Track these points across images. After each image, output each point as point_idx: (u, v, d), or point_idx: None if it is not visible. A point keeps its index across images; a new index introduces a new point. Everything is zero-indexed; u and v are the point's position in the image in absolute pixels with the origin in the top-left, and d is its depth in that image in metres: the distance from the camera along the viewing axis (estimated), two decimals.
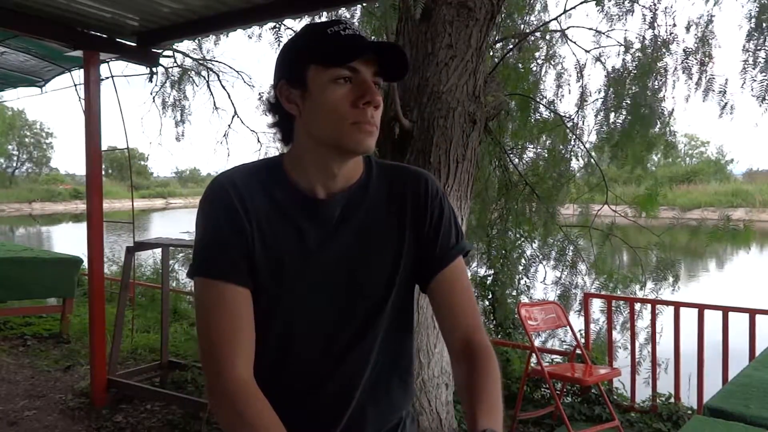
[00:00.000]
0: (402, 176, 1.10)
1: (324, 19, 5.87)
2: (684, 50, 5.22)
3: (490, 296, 5.70)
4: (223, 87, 7.15)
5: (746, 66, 4.49)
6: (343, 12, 5.76)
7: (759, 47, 4.41)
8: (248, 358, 0.96)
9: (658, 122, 5.50)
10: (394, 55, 0.98)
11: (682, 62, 5.21)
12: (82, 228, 4.32)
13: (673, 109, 5.57)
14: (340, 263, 1.02)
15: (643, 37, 5.40)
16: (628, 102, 5.37)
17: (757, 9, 4.36)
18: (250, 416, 0.90)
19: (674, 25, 5.30)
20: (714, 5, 4.90)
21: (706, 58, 5.04)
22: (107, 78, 4.38)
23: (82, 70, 4.07)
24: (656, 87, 5.38)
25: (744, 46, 4.51)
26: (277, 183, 1.03)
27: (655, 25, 5.31)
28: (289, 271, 1.01)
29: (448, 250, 1.07)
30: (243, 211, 0.99)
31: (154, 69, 4.55)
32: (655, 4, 5.27)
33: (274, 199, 1.02)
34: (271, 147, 6.83)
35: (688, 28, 5.25)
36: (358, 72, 0.95)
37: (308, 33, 1.02)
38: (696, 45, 5.16)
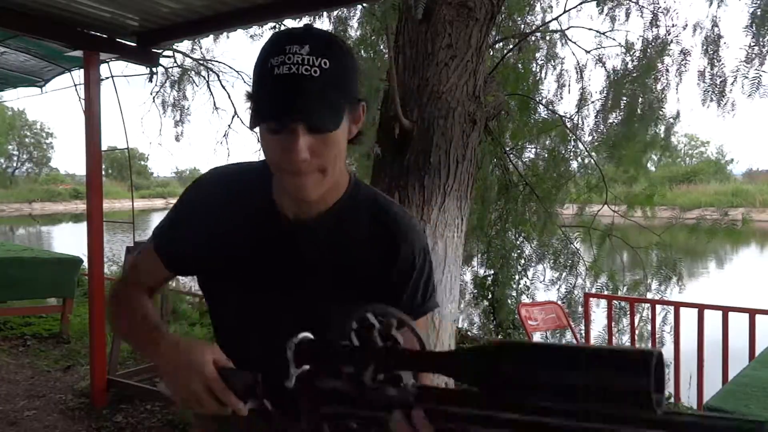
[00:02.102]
0: (391, 222, 1.05)
1: (324, 19, 5.88)
2: (683, 51, 5.22)
3: (489, 296, 5.70)
4: (223, 87, 7.16)
5: (746, 65, 4.49)
6: (344, 12, 5.76)
7: (757, 44, 4.40)
8: (143, 291, 1.13)
9: (657, 122, 5.51)
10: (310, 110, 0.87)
11: (681, 62, 5.22)
12: (82, 228, 4.32)
13: (678, 112, 5.60)
14: (288, 280, 1.04)
15: (644, 38, 5.40)
16: (627, 102, 5.37)
17: (758, 9, 4.36)
18: (126, 302, 1.10)
19: (673, 25, 5.31)
20: (717, 7, 4.89)
21: (707, 59, 5.04)
22: (107, 78, 4.39)
23: (82, 70, 4.07)
24: (656, 87, 5.38)
25: (747, 45, 4.51)
26: (258, 190, 1.05)
27: (656, 24, 5.32)
28: (237, 275, 1.05)
29: (415, 308, 1.06)
30: (211, 208, 1.06)
31: (154, 69, 4.55)
32: (654, 4, 5.27)
33: (246, 205, 1.05)
34: None
35: (684, 27, 5.26)
36: (282, 121, 0.89)
37: (258, 58, 0.91)
38: (695, 45, 5.17)
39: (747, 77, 4.48)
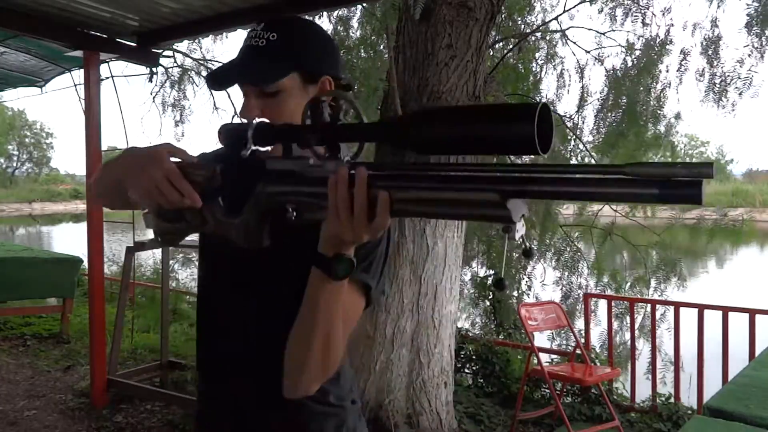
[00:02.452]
0: None
1: (324, 19, 5.88)
2: (682, 51, 5.23)
3: (490, 296, 5.70)
4: None
5: (743, 65, 4.51)
6: (344, 12, 5.77)
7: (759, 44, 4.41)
8: None
9: (657, 122, 5.51)
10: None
11: (681, 63, 5.22)
12: (82, 228, 4.31)
13: (678, 113, 5.60)
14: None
15: (644, 38, 5.40)
16: (625, 101, 5.37)
17: (759, 9, 4.37)
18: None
19: (672, 25, 5.31)
20: (717, 7, 4.90)
21: (706, 59, 5.04)
22: (107, 78, 4.39)
23: (82, 70, 4.07)
24: (655, 87, 5.38)
25: (747, 45, 4.52)
26: None
27: (654, 24, 5.32)
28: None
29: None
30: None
31: (154, 69, 4.55)
32: (653, 5, 5.28)
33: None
34: None
35: (684, 29, 5.27)
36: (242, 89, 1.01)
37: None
38: (694, 45, 5.17)
39: (746, 77, 4.48)
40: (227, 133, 0.87)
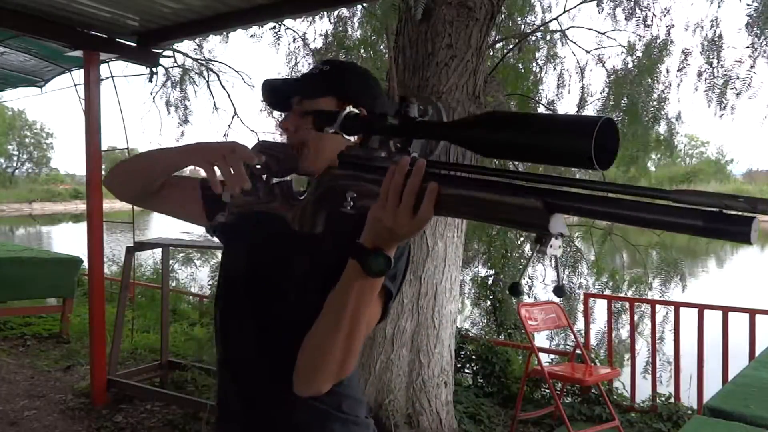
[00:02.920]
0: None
1: (325, 19, 5.89)
2: (683, 51, 5.23)
3: (491, 296, 5.70)
4: (223, 87, 7.15)
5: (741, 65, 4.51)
6: (344, 12, 5.77)
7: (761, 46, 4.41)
8: None
9: (658, 122, 5.50)
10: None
11: (681, 63, 5.22)
12: (82, 228, 4.31)
13: (679, 113, 5.59)
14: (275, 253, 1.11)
15: (645, 38, 5.40)
16: (626, 102, 5.37)
17: (760, 9, 4.36)
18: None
19: (673, 25, 5.31)
20: (717, 7, 4.89)
21: (706, 59, 5.04)
22: (107, 78, 4.38)
23: (82, 70, 4.07)
24: (656, 87, 5.38)
25: (748, 46, 4.52)
26: None
27: (655, 24, 5.32)
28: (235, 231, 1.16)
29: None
30: None
31: (154, 69, 4.55)
32: (653, 5, 5.28)
33: None
34: None
35: (686, 29, 5.26)
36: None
37: None
38: (695, 46, 5.17)
39: (746, 77, 4.48)
40: (319, 114, 0.92)
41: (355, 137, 0.89)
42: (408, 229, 0.77)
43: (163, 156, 1.14)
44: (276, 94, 1.13)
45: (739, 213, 0.52)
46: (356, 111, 0.88)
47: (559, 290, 0.75)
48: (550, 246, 0.64)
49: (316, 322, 0.96)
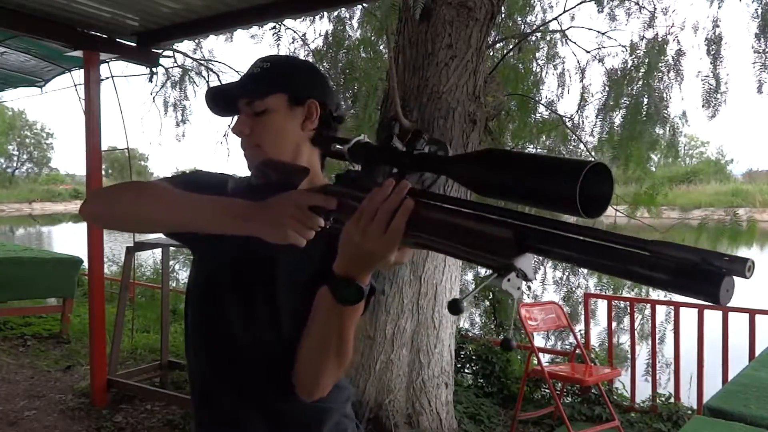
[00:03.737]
0: None
1: (325, 19, 5.89)
2: (682, 51, 5.23)
3: (490, 296, 5.70)
4: None
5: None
6: (344, 12, 5.76)
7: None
8: None
9: (662, 122, 5.50)
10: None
11: (681, 62, 5.22)
12: (82, 228, 4.31)
13: (684, 112, 5.59)
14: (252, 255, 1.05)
15: (645, 38, 5.40)
16: (629, 102, 5.37)
17: (763, 9, 4.37)
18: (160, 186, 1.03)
19: (673, 24, 5.31)
20: (718, 8, 4.90)
21: (706, 59, 5.04)
22: (107, 78, 4.38)
23: (82, 70, 4.07)
24: (658, 87, 5.38)
25: (752, 47, 4.52)
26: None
27: (654, 24, 5.32)
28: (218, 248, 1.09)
29: None
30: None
31: (154, 69, 4.55)
32: (654, 5, 5.28)
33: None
34: None
35: (682, 28, 5.27)
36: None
37: None
38: (695, 46, 5.18)
39: (746, 77, 4.48)
40: (325, 139, 0.96)
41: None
42: (376, 246, 0.75)
43: (184, 208, 0.95)
44: (222, 100, 1.12)
45: (711, 269, 0.49)
46: (366, 140, 0.87)
47: (506, 343, 0.68)
48: (508, 280, 0.61)
49: (305, 333, 0.98)
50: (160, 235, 6.47)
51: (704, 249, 0.51)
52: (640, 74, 5.36)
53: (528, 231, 0.63)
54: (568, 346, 5.26)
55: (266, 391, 1.09)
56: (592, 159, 0.54)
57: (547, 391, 4.26)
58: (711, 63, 4.99)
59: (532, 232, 0.62)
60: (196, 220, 0.93)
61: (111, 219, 1.05)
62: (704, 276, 0.50)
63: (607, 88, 5.55)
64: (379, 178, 0.82)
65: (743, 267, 0.48)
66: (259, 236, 0.86)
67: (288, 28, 5.95)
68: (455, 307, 0.63)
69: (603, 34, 5.71)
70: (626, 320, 4.87)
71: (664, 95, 5.35)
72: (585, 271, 5.90)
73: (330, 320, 0.91)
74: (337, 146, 0.88)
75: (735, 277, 0.49)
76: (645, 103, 5.27)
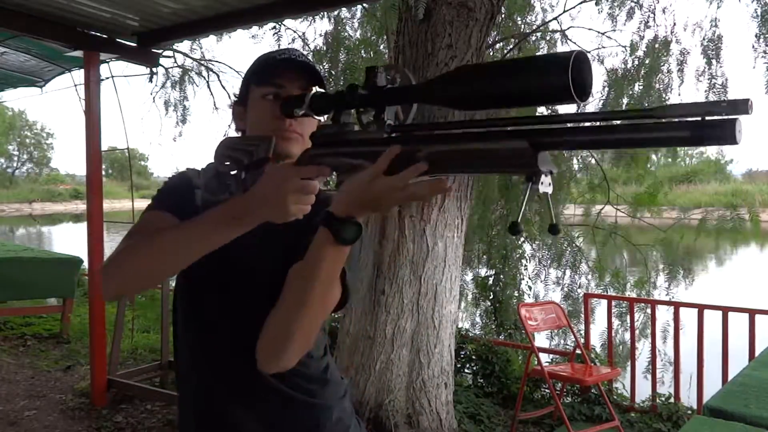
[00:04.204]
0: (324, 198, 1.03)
1: (325, 19, 5.89)
2: (682, 51, 5.23)
3: (491, 296, 5.70)
4: (223, 87, 7.18)
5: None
6: (344, 12, 5.77)
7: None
8: None
9: None
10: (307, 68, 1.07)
11: (680, 62, 5.22)
12: (82, 228, 4.31)
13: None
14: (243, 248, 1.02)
15: (645, 38, 5.40)
16: (628, 102, 5.37)
17: (760, 10, 4.37)
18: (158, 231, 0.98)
19: (674, 24, 5.32)
20: (717, 8, 4.90)
21: (706, 59, 5.04)
22: (107, 78, 4.38)
23: (82, 70, 4.07)
24: (656, 87, 5.38)
25: (753, 46, 4.52)
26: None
27: (655, 25, 5.33)
28: None
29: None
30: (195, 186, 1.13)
31: (154, 69, 4.55)
32: (654, 5, 5.28)
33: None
34: None
35: (685, 28, 5.27)
36: (283, 87, 1.06)
37: (256, 59, 1.14)
38: (695, 45, 5.18)
39: (745, 77, 4.48)
40: (286, 100, 0.95)
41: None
42: (390, 200, 0.77)
43: (190, 240, 0.93)
44: (307, 80, 1.07)
45: (723, 117, 0.53)
46: (322, 90, 0.88)
47: (553, 228, 0.77)
48: (541, 183, 0.65)
49: (281, 296, 0.95)
50: None
51: (702, 102, 0.56)
52: (641, 74, 5.37)
53: (540, 133, 0.66)
54: (568, 346, 5.25)
55: (255, 384, 1.08)
56: (572, 51, 0.59)
57: (547, 391, 4.26)
58: (710, 63, 4.99)
59: (545, 132, 0.66)
60: (208, 244, 0.92)
61: (135, 289, 1.14)
62: (719, 124, 0.54)
63: (607, 88, 5.56)
64: (353, 125, 0.84)
65: (745, 106, 0.53)
66: (266, 221, 0.87)
67: (288, 28, 5.96)
68: (515, 229, 0.70)
69: (603, 34, 5.72)
70: (627, 320, 4.87)
71: (664, 95, 5.36)
72: (585, 270, 5.90)
73: (317, 270, 0.87)
74: (300, 112, 0.91)
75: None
76: (642, 102, 5.27)
